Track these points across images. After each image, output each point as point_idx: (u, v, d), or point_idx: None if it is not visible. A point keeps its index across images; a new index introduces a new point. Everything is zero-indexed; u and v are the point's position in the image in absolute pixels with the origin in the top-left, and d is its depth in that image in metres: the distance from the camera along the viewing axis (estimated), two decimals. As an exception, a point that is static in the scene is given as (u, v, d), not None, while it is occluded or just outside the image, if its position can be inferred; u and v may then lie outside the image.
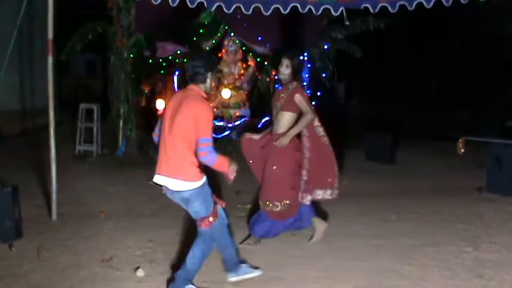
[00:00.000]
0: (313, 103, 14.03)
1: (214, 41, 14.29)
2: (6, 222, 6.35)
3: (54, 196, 7.29)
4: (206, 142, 4.75)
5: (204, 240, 5.12)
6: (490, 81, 21.19)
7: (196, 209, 4.97)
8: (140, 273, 5.50)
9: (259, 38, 13.71)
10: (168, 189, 4.98)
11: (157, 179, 4.98)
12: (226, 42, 14.23)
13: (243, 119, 13.72)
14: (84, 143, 12.60)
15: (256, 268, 5.53)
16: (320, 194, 6.45)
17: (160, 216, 7.63)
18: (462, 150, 9.81)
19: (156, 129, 5.18)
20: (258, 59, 14.53)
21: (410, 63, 23.86)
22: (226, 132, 13.59)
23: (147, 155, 12.48)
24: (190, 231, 6.91)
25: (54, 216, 7.32)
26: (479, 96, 20.88)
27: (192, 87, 4.97)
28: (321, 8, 9.00)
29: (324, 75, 14.10)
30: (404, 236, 6.72)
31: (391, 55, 24.36)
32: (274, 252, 6.17)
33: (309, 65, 14.24)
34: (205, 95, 4.97)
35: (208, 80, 5.00)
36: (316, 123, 6.41)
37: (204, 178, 4.92)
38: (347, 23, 9.53)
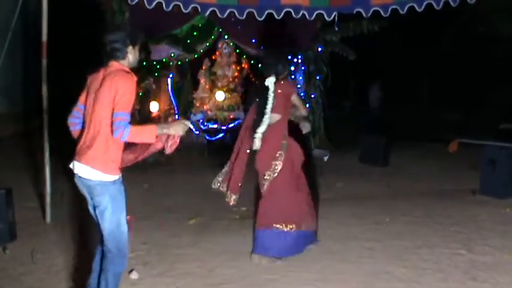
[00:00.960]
0: (307, 105, 14.11)
1: (208, 44, 14.30)
2: (0, 225, 6.34)
3: (48, 198, 7.29)
4: (120, 117, 4.05)
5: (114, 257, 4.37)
6: (484, 83, 21.23)
7: (104, 204, 4.24)
8: (134, 275, 5.50)
9: (253, 41, 13.72)
10: (77, 175, 4.32)
11: (72, 164, 4.34)
12: (220, 45, 14.27)
13: (236, 122, 13.74)
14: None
15: None
16: None
17: (154, 218, 7.64)
18: (455, 150, 9.84)
19: (74, 112, 4.47)
20: (252, 62, 14.56)
21: (403, 65, 23.90)
22: (220, 135, 13.63)
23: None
24: (184, 233, 6.94)
25: (48, 218, 7.31)
26: (474, 98, 20.93)
27: (112, 63, 4.34)
28: (315, 13, 9.08)
29: (318, 77, 14.13)
30: (398, 238, 6.74)
31: (385, 57, 24.38)
32: (268, 255, 6.17)
33: (302, 68, 14.27)
34: (127, 69, 4.39)
35: (129, 56, 4.41)
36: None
37: (118, 177, 4.28)
38: (337, 28, 9.58)
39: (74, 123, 4.48)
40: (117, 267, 4.37)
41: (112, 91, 4.12)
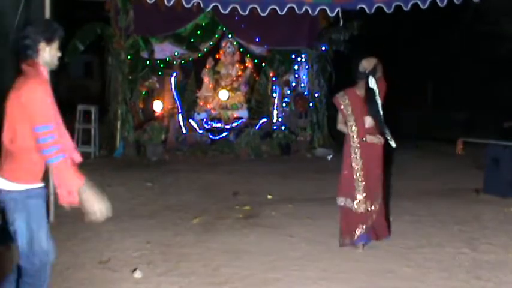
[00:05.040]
0: (311, 104, 14.06)
1: (211, 43, 14.32)
2: (4, 224, 6.32)
3: (51, 197, 7.28)
4: (45, 130, 3.58)
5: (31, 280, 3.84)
6: (489, 82, 21.19)
7: (15, 225, 3.77)
8: (138, 274, 5.49)
9: (257, 40, 13.74)
10: None
11: None
12: (223, 44, 14.30)
13: (240, 121, 13.77)
14: (82, 145, 12.60)
15: None
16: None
17: (158, 217, 7.64)
18: (462, 151, 9.83)
19: None
20: (256, 61, 14.58)
21: (408, 64, 23.88)
22: (224, 134, 13.63)
23: (144, 156, 12.52)
24: (188, 232, 6.94)
25: (51, 217, 7.30)
26: (478, 97, 20.90)
27: (23, 67, 3.76)
28: (317, 9, 9.08)
29: (321, 76, 14.14)
30: (402, 237, 6.72)
31: (389, 56, 24.36)
32: (272, 254, 6.17)
33: (306, 67, 14.28)
34: (38, 71, 3.76)
35: (43, 53, 3.78)
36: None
37: (35, 186, 3.76)
38: (342, 22, 9.59)
39: None
40: None
41: (17, 103, 3.64)
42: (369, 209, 6.23)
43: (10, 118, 3.69)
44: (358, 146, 6.21)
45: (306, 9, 9.01)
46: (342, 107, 6.29)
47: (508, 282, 5.43)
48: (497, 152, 9.14)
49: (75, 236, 6.69)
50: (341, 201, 6.34)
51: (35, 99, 3.60)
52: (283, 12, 9.01)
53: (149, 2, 8.63)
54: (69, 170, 3.70)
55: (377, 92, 6.15)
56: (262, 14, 9.01)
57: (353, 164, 6.23)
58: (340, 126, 6.45)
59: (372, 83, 6.14)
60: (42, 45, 3.77)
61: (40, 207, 3.80)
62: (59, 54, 3.91)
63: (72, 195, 3.72)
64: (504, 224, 7.39)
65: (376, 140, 6.22)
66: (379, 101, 6.18)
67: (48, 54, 3.81)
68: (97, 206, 3.76)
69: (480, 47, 21.02)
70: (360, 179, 6.21)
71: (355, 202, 6.22)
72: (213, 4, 8.90)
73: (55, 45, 3.85)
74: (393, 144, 6.24)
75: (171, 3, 8.68)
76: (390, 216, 7.18)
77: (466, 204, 8.52)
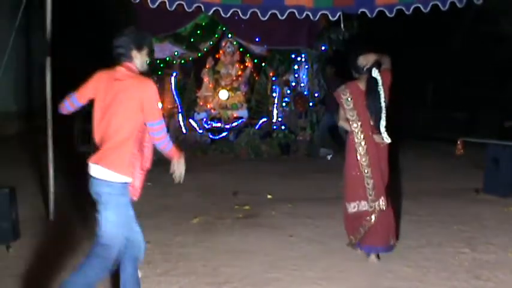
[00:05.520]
0: (311, 104, 14.04)
1: (211, 42, 14.31)
2: (3, 223, 6.33)
3: (51, 197, 7.29)
4: (161, 124, 4.30)
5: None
6: (489, 82, 21.18)
7: (103, 216, 4.40)
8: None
9: (257, 39, 13.73)
10: (93, 178, 4.38)
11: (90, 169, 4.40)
12: (223, 44, 14.28)
13: (240, 120, 13.77)
14: (82, 145, 12.59)
15: None
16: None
17: (157, 217, 7.63)
18: (461, 151, 9.82)
19: (74, 98, 4.85)
20: (256, 60, 14.57)
21: (408, 64, 23.88)
22: (224, 134, 13.63)
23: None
24: (187, 232, 6.94)
25: (51, 216, 7.32)
26: (478, 97, 20.90)
27: (120, 68, 4.30)
28: (319, 14, 9.12)
29: (321, 76, 14.11)
30: (402, 237, 6.72)
31: (390, 57, 24.29)
32: (272, 254, 6.17)
33: (306, 67, 14.25)
34: (136, 72, 4.33)
35: (136, 61, 4.32)
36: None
37: (130, 180, 4.38)
38: (343, 27, 9.60)
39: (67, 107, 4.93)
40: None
41: (135, 99, 4.18)
42: (377, 206, 6.00)
43: (120, 110, 4.22)
44: (364, 141, 6.00)
45: (307, 14, 9.06)
46: (343, 100, 6.05)
47: (507, 281, 5.44)
48: (497, 152, 9.14)
49: (75, 235, 6.68)
50: (353, 207, 6.10)
51: (154, 97, 4.22)
52: (284, 17, 9.05)
53: (152, 6, 8.62)
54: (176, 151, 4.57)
55: (380, 82, 5.89)
56: (262, 19, 9.05)
57: (359, 162, 6.00)
58: (342, 123, 6.24)
59: (375, 73, 5.90)
60: (134, 53, 4.30)
61: (129, 205, 4.52)
62: (148, 59, 4.45)
63: (135, 189, 4.52)
64: (504, 224, 7.39)
65: (379, 140, 6.01)
66: (381, 92, 5.91)
67: (139, 60, 4.34)
68: (179, 171, 4.84)
69: (481, 47, 21.02)
70: (369, 176, 5.98)
71: (369, 199, 5.99)
72: (215, 8, 8.94)
73: (145, 51, 4.37)
74: (387, 139, 6.01)
75: (173, 7, 8.71)
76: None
77: (466, 204, 8.52)
